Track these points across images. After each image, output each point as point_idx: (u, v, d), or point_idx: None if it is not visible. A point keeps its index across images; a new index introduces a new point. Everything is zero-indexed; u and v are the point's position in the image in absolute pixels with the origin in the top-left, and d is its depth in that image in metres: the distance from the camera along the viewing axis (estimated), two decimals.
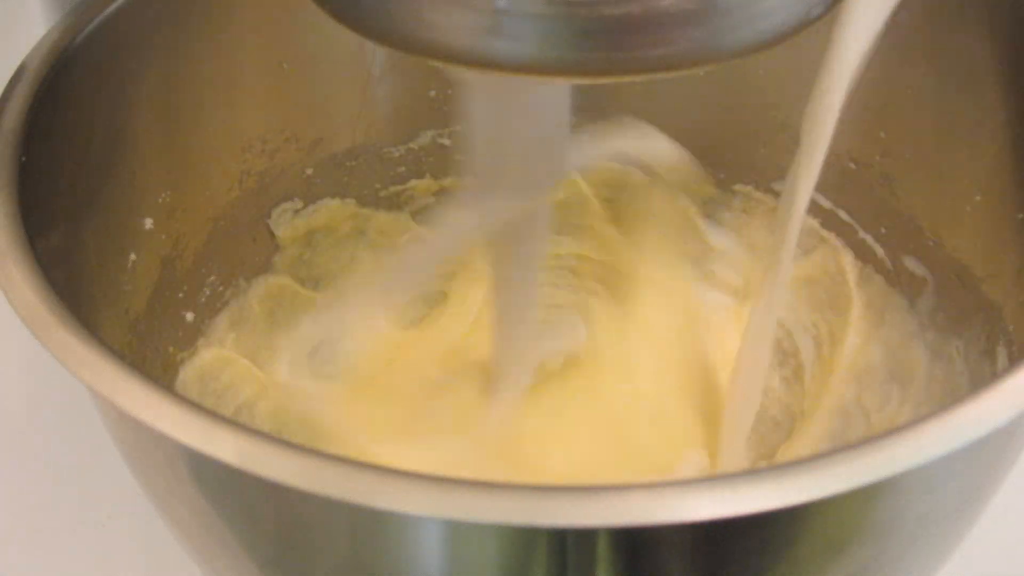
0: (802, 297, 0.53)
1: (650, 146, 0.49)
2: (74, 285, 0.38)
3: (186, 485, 0.32)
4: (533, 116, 0.39)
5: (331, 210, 0.53)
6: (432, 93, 0.52)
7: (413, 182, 0.54)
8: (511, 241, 0.43)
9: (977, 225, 0.45)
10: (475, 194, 0.41)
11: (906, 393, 0.48)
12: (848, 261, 0.51)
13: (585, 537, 0.29)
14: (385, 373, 0.51)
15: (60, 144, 0.40)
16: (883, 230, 0.50)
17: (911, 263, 0.49)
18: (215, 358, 0.49)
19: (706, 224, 0.54)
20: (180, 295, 0.47)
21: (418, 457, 0.46)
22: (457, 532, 0.29)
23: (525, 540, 0.29)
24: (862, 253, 0.51)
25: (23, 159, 0.37)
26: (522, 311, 0.46)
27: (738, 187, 0.53)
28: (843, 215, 0.51)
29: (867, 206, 0.50)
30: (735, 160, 0.53)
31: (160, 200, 0.45)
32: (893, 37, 0.41)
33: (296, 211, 0.52)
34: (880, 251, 0.50)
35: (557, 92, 0.38)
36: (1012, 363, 0.42)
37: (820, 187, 0.51)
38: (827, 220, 0.51)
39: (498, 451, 0.47)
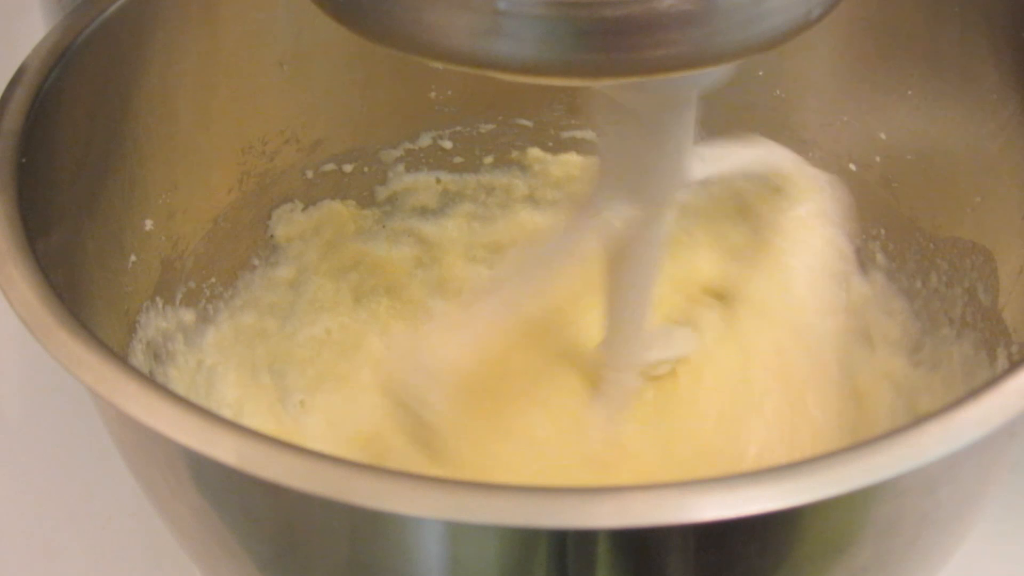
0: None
1: (772, 159, 0.49)
2: (74, 286, 0.38)
3: (186, 486, 0.32)
4: (659, 129, 0.39)
5: (331, 211, 0.53)
6: (432, 93, 0.52)
7: (414, 183, 0.54)
8: (630, 249, 0.43)
9: (977, 226, 0.45)
10: (597, 201, 0.42)
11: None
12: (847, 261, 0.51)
13: (585, 538, 0.29)
14: (488, 377, 0.51)
15: (60, 145, 0.40)
16: (883, 231, 0.50)
17: (911, 264, 0.49)
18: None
19: None
20: (180, 296, 0.47)
21: (521, 461, 0.46)
22: (457, 533, 0.29)
23: (525, 541, 0.29)
24: (862, 253, 0.51)
25: (23, 160, 0.37)
26: (636, 320, 0.46)
27: None
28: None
29: (867, 207, 0.50)
30: None
31: (160, 201, 0.45)
32: (893, 38, 0.41)
33: (296, 212, 0.52)
34: (880, 251, 0.50)
35: (684, 105, 0.39)
36: (1012, 363, 0.42)
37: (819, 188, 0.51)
38: (827, 220, 0.51)
39: (602, 457, 0.48)
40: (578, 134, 0.54)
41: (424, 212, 0.55)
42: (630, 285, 0.45)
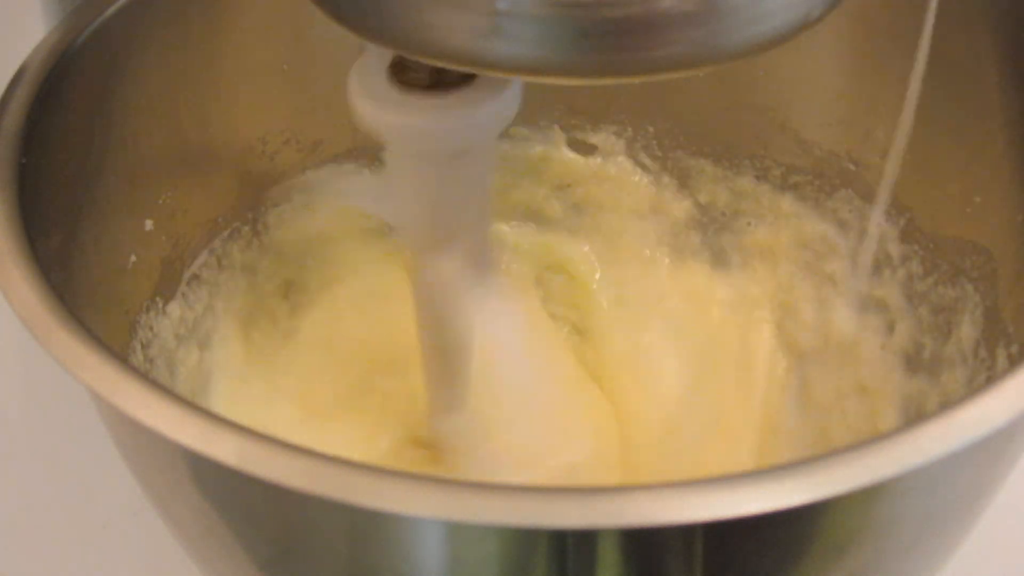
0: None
1: None
2: (74, 286, 0.37)
3: (186, 486, 0.32)
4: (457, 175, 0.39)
5: (331, 212, 0.53)
6: None
7: None
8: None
9: (977, 226, 0.45)
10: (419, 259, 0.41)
11: None
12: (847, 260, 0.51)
13: (585, 538, 0.29)
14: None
15: (60, 146, 0.40)
16: (883, 231, 0.50)
17: (911, 264, 0.48)
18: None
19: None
20: (180, 296, 0.47)
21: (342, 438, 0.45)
22: (457, 533, 0.29)
23: (525, 541, 0.29)
24: (861, 253, 0.51)
25: (23, 161, 0.37)
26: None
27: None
28: (843, 215, 0.51)
29: (867, 207, 0.50)
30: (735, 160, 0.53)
31: (160, 201, 0.45)
32: (893, 38, 0.41)
33: (296, 212, 0.52)
34: (880, 251, 0.50)
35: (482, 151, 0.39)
36: (1012, 363, 0.42)
37: (820, 188, 0.51)
38: (827, 220, 0.51)
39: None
40: (579, 134, 0.54)
41: None
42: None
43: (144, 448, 0.34)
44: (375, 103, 0.37)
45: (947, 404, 0.30)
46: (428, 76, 0.37)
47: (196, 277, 0.48)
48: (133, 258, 0.44)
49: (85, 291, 0.39)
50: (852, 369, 0.50)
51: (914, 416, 0.47)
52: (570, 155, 0.54)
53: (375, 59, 0.38)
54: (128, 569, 0.49)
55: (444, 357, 0.43)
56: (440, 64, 0.31)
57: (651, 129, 0.53)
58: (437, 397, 0.45)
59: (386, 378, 0.50)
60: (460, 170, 0.39)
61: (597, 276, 0.55)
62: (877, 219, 0.46)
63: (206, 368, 0.48)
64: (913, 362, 0.48)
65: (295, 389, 0.50)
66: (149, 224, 0.45)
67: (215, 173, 0.48)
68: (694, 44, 0.30)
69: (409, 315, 0.44)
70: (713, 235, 0.54)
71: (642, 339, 0.54)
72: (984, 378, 0.44)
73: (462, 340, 0.42)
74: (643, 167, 0.54)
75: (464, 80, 0.37)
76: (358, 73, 0.38)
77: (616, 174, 0.54)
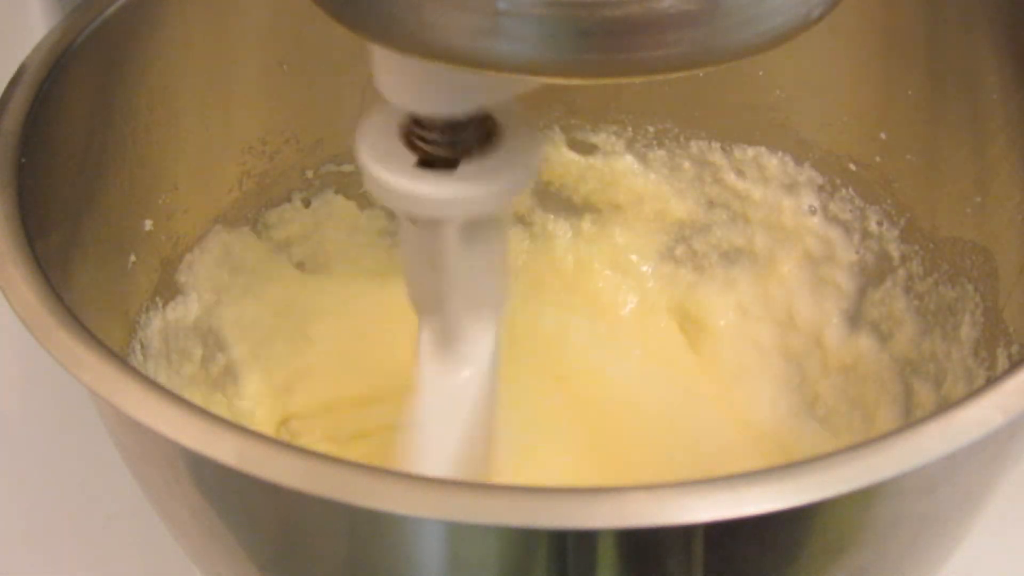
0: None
1: None
2: (74, 286, 0.37)
3: (186, 486, 0.32)
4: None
5: (331, 212, 0.53)
6: None
7: None
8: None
9: (977, 226, 0.45)
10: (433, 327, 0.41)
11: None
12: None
13: (585, 539, 0.29)
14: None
15: (60, 145, 0.40)
16: (883, 231, 0.50)
17: (911, 264, 0.49)
18: None
19: None
20: (180, 296, 0.47)
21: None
22: (457, 533, 0.29)
23: (525, 542, 0.29)
24: (861, 253, 0.51)
25: (23, 160, 0.37)
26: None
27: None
28: (843, 215, 0.51)
29: (867, 207, 0.50)
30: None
31: (160, 201, 0.45)
32: (893, 38, 0.41)
33: (296, 212, 0.52)
34: (880, 251, 0.50)
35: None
36: (1012, 363, 0.42)
37: (821, 188, 0.51)
38: (828, 220, 0.51)
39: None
40: (579, 134, 0.54)
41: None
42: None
43: (144, 448, 0.34)
44: (392, 172, 0.37)
45: (947, 404, 0.30)
46: (442, 138, 0.36)
47: (196, 277, 0.48)
48: (133, 258, 0.44)
49: (85, 291, 0.39)
50: (852, 369, 0.50)
51: (914, 416, 0.47)
52: (570, 155, 0.54)
53: (383, 119, 0.37)
54: (128, 569, 0.49)
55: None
56: (439, 64, 0.31)
57: (651, 129, 0.53)
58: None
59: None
60: (471, 241, 0.38)
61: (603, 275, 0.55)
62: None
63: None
64: (913, 362, 0.48)
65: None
66: (149, 224, 0.45)
67: (215, 173, 0.48)
68: (694, 44, 0.30)
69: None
70: (713, 235, 0.54)
71: (648, 341, 0.54)
72: (984, 378, 0.44)
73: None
74: (643, 167, 0.54)
75: (480, 149, 0.37)
76: (368, 135, 0.37)
77: (616, 174, 0.54)
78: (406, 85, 0.35)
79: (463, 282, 0.39)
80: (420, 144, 0.37)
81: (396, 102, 0.36)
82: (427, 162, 0.37)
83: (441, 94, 0.35)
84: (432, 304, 0.40)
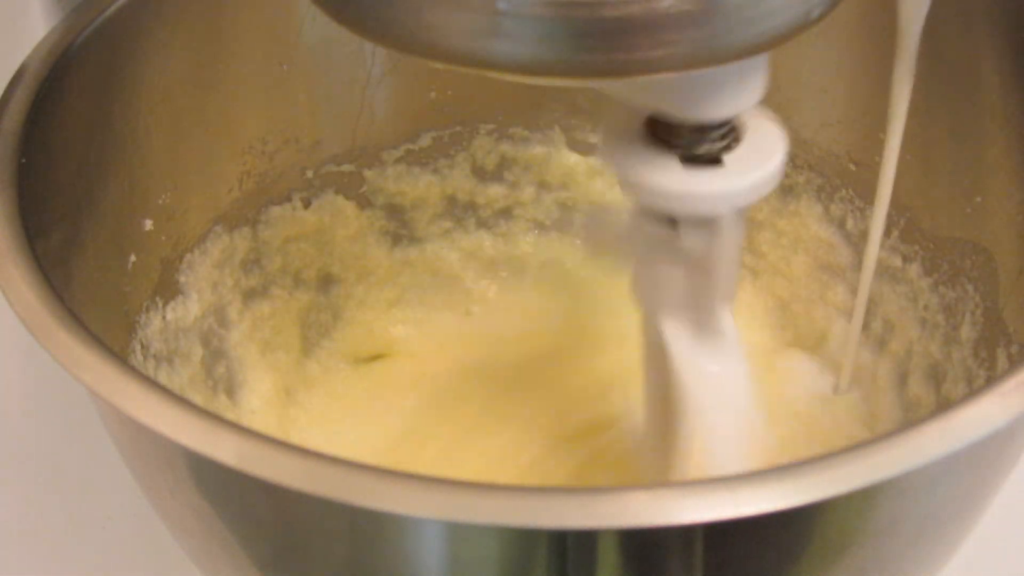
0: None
1: None
2: (74, 286, 0.38)
3: (186, 486, 0.32)
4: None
5: (331, 212, 0.53)
6: (432, 94, 0.52)
7: (414, 183, 0.54)
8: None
9: (977, 226, 0.45)
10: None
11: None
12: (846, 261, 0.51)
13: (585, 538, 0.29)
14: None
15: (60, 145, 0.40)
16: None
17: (911, 264, 0.48)
18: None
19: None
20: (180, 296, 0.47)
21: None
22: (457, 534, 0.29)
23: (525, 542, 0.29)
24: (861, 253, 0.51)
25: (23, 160, 0.37)
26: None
27: None
28: (843, 215, 0.51)
29: (867, 207, 0.50)
30: None
31: (160, 201, 0.45)
32: (893, 38, 0.41)
33: (296, 212, 0.52)
34: (880, 252, 0.50)
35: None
36: (1012, 363, 0.42)
37: (820, 188, 0.51)
38: (828, 220, 0.51)
39: None
40: (579, 134, 0.54)
41: (423, 213, 0.55)
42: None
43: (144, 448, 0.34)
44: (663, 175, 0.36)
45: (947, 404, 0.30)
46: (712, 135, 0.36)
47: (196, 277, 0.48)
48: (133, 258, 0.44)
49: (85, 291, 0.39)
50: (852, 370, 0.50)
51: (914, 417, 0.47)
52: (570, 155, 0.54)
53: (625, 118, 0.37)
54: (128, 569, 0.49)
55: (662, 406, 0.43)
56: (440, 64, 0.31)
57: None
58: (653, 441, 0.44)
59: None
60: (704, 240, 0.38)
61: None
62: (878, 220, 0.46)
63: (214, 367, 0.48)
64: (913, 362, 0.48)
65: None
66: (149, 224, 0.45)
67: (215, 173, 0.48)
68: (694, 44, 0.30)
69: None
70: None
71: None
72: (984, 378, 0.44)
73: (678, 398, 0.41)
74: None
75: (736, 142, 0.36)
76: (617, 141, 0.37)
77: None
78: (695, 99, 0.35)
79: (722, 275, 0.39)
80: (678, 143, 0.36)
81: (680, 116, 0.35)
82: (690, 160, 0.36)
83: (727, 99, 0.35)
84: (679, 301, 0.40)
